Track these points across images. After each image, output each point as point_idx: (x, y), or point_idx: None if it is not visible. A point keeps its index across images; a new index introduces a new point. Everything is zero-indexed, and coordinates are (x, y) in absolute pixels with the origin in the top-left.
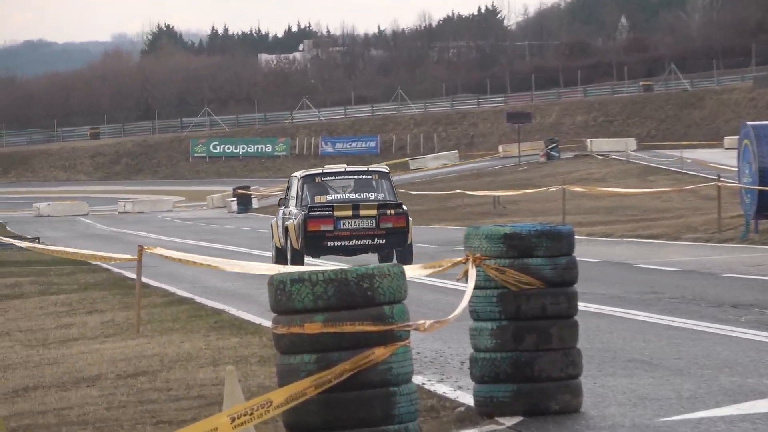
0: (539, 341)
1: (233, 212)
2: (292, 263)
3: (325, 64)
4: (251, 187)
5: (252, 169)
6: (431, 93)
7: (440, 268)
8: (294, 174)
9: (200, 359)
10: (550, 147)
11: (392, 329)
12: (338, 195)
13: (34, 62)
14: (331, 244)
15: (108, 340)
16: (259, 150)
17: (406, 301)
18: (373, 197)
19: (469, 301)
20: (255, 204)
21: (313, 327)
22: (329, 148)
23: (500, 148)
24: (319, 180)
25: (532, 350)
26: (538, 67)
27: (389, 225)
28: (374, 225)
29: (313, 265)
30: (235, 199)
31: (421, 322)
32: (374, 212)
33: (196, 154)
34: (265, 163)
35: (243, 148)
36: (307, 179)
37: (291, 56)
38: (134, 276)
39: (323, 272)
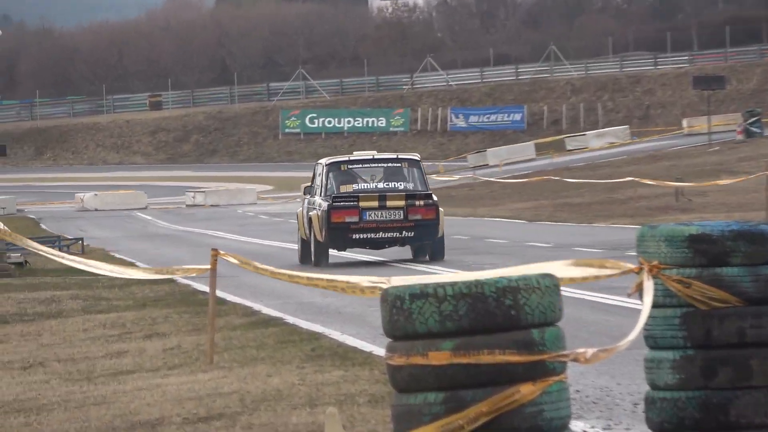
0: (736, 377)
1: None
2: (316, 257)
3: (455, 12)
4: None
5: (360, 149)
6: (594, 51)
7: (600, 273)
8: (319, 161)
9: (293, 398)
10: (750, 121)
11: (543, 360)
12: (365, 184)
13: (76, 10)
14: (357, 236)
15: (172, 372)
16: (370, 124)
17: (561, 322)
18: (402, 187)
19: (645, 324)
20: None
21: (440, 356)
22: (461, 123)
23: (684, 122)
24: (345, 168)
25: (726, 388)
26: (733, 16)
27: (418, 217)
28: (402, 217)
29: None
30: None
31: (582, 350)
32: (402, 203)
33: (287, 130)
34: (377, 142)
35: (348, 122)
36: (333, 167)
37: (411, 2)
38: (206, 289)
39: (453, 285)
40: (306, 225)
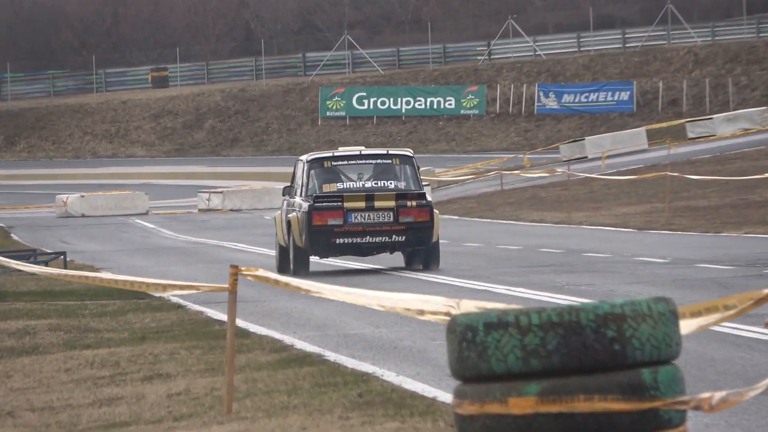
0: None
1: None
2: (295, 265)
3: None
4: (421, 168)
5: (422, 138)
6: (723, 10)
7: (734, 311)
8: (300, 157)
9: None
10: None
11: (656, 407)
12: (351, 183)
13: None
14: (341, 241)
15: (179, 425)
16: (435, 106)
17: (680, 359)
18: (392, 186)
19: None
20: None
21: (523, 404)
22: (551, 103)
23: None
24: (329, 164)
25: None
26: None
27: (410, 219)
28: (392, 219)
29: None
30: None
31: (706, 395)
32: (392, 203)
33: (329, 113)
34: (444, 128)
35: (407, 104)
36: (314, 163)
37: None
38: (223, 317)
39: (539, 312)
40: (285, 229)
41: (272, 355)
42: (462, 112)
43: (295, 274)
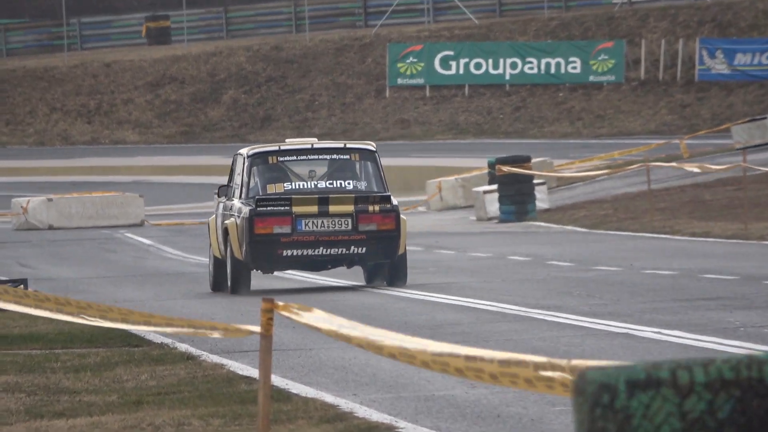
0: None
1: (491, 219)
2: (233, 281)
3: None
4: (533, 160)
5: (534, 116)
6: None
7: None
8: (240, 151)
9: None
10: None
11: None
12: (301, 183)
13: None
14: (289, 253)
15: None
16: (553, 71)
17: None
18: (350, 186)
19: None
20: (541, 198)
21: None
22: (719, 66)
23: None
24: (275, 160)
25: None
26: None
27: (372, 227)
28: (350, 227)
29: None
30: (494, 188)
31: None
32: (350, 208)
33: (400, 80)
34: (565, 103)
35: (513, 66)
36: (257, 159)
37: None
38: (254, 371)
39: (705, 365)
40: (220, 238)
41: (323, 426)
42: (591, 78)
43: (234, 292)
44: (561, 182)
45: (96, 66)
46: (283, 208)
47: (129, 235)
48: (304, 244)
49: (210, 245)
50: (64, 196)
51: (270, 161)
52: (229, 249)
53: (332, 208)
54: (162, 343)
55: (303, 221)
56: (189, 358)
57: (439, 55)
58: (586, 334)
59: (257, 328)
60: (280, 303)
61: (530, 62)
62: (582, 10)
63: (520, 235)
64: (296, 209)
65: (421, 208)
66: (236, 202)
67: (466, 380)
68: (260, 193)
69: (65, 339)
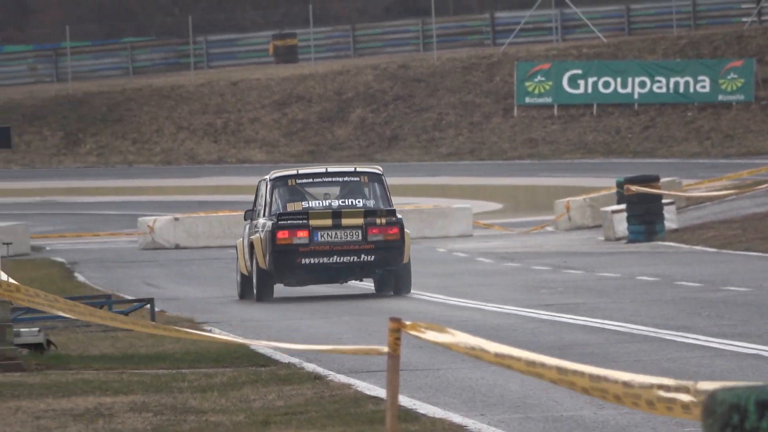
0: None
1: (619, 239)
2: (259, 290)
3: None
4: (662, 180)
5: (663, 135)
6: None
7: None
8: (264, 177)
9: None
10: None
11: None
12: (317, 202)
13: None
14: (306, 261)
15: None
16: (682, 89)
17: None
18: (360, 204)
19: None
20: (670, 217)
21: None
22: None
23: None
24: (293, 183)
25: None
26: None
27: (379, 237)
28: (360, 237)
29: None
30: (622, 207)
31: None
32: (360, 221)
33: (528, 99)
34: (694, 122)
35: (642, 85)
36: (278, 182)
37: None
38: (381, 391)
39: None
40: (247, 254)
41: None
42: (720, 97)
43: (259, 300)
44: (690, 202)
45: (222, 84)
46: (301, 221)
47: None
48: (320, 252)
49: (237, 265)
50: (191, 216)
51: (289, 184)
52: (254, 262)
53: (344, 221)
54: (289, 363)
55: (319, 233)
56: (316, 377)
57: (568, 74)
58: (715, 355)
59: (385, 348)
60: (408, 322)
61: (659, 81)
62: (711, 28)
63: (648, 255)
64: (313, 222)
65: (549, 228)
66: (261, 220)
67: (594, 401)
68: (281, 210)
69: (192, 358)
